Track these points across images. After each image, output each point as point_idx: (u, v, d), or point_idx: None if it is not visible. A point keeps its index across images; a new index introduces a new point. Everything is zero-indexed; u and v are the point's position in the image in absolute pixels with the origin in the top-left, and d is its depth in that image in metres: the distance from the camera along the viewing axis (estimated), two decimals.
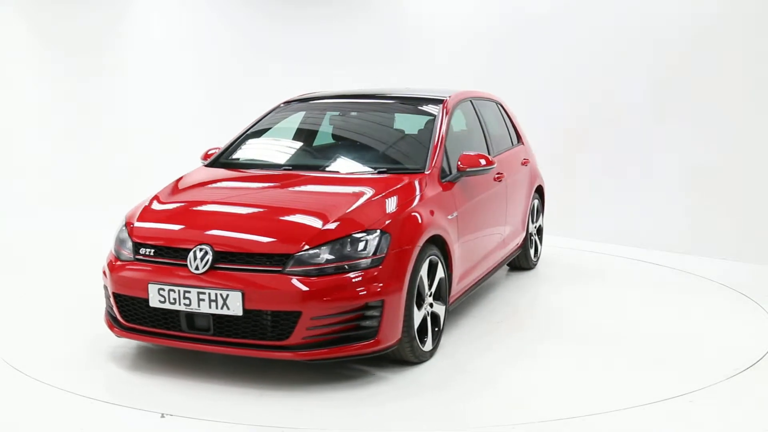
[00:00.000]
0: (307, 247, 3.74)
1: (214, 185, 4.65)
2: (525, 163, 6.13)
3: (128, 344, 4.43)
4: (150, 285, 3.83)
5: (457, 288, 4.61)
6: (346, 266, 3.73)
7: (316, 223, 3.87)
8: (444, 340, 4.51)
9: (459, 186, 4.69)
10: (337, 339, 3.73)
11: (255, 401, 3.68)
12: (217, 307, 3.70)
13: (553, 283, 6.04)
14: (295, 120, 5.47)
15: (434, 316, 4.27)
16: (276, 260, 3.73)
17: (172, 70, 10.67)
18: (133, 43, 10.71)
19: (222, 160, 5.06)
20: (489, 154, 5.37)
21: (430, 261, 4.16)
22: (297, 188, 4.48)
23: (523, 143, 6.32)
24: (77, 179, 10.12)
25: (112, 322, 4.16)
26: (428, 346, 4.16)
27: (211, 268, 3.76)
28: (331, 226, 3.84)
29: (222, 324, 3.75)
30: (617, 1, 7.61)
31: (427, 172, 4.48)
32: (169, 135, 10.49)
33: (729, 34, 6.85)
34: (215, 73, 10.59)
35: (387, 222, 3.92)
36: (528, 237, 6.18)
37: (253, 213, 4.13)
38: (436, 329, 4.28)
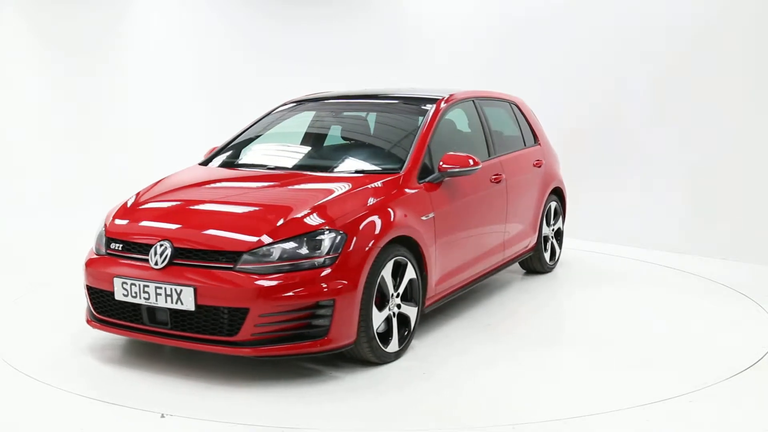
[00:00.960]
0: (259, 244, 3.80)
1: (192, 184, 4.73)
2: (538, 164, 6.01)
3: (128, 345, 4.43)
4: (115, 279, 3.98)
5: (436, 290, 4.58)
6: (298, 265, 3.77)
7: (272, 221, 3.93)
8: (421, 341, 4.51)
9: (443, 186, 4.66)
10: (287, 336, 3.76)
11: (255, 401, 3.68)
12: (172, 302, 3.80)
13: (558, 286, 6.02)
14: (291, 121, 5.50)
15: (404, 318, 4.26)
16: (229, 257, 3.80)
17: (172, 70, 10.67)
18: (133, 43, 10.71)
19: (215, 159, 5.18)
20: (489, 154, 5.33)
21: (398, 262, 4.16)
22: (267, 187, 4.56)
23: (540, 144, 6.20)
24: (77, 179, 10.13)
25: (89, 315, 4.29)
26: (393, 347, 4.15)
27: (170, 263, 3.87)
28: (286, 224, 3.89)
29: (178, 318, 3.85)
30: (617, 1, 7.61)
31: (402, 173, 4.47)
32: (168, 135, 10.49)
33: (729, 34, 6.85)
34: (215, 73, 10.59)
35: (344, 222, 3.94)
36: (541, 240, 6.06)
37: (216, 210, 4.22)
38: (406, 331, 4.27)
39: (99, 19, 10.60)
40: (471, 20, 8.70)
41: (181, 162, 6.69)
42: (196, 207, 4.29)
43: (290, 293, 3.70)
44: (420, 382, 3.94)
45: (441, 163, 4.61)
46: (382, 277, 4.03)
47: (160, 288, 3.82)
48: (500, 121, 5.83)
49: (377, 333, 4.04)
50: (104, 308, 4.15)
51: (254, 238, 3.82)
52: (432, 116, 4.90)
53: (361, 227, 3.96)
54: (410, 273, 4.25)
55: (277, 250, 3.79)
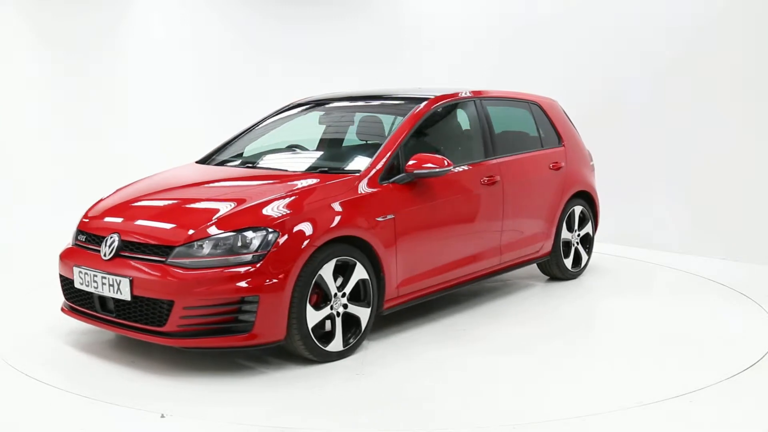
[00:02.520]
0: (190, 239, 3.94)
1: (165, 180, 4.88)
2: (556, 167, 5.81)
3: (128, 345, 4.44)
4: (74, 268, 4.27)
5: (399, 292, 4.55)
6: (227, 260, 3.87)
7: (208, 217, 4.05)
8: (379, 342, 4.50)
9: (413, 187, 4.61)
10: (213, 330, 3.87)
11: (256, 401, 3.69)
12: (113, 292, 4.02)
13: (564, 291, 6.00)
14: (288, 123, 5.59)
15: (353, 318, 4.27)
16: (163, 250, 3.97)
17: (172, 70, 10.67)
18: (134, 43, 10.70)
19: (212, 158, 5.36)
20: (486, 155, 5.22)
21: (346, 262, 4.18)
22: (226, 185, 4.70)
23: (564, 146, 5.99)
24: (77, 179, 10.12)
25: (63, 303, 4.56)
26: (335, 346, 4.16)
27: (116, 255, 4.10)
28: (219, 221, 4.00)
29: (120, 307, 4.06)
30: (618, 1, 7.61)
31: (360, 173, 4.47)
32: (169, 135, 10.49)
33: (729, 34, 6.86)
34: (215, 74, 10.59)
35: (277, 220, 4.00)
36: (559, 245, 5.86)
37: (167, 206, 4.41)
38: (356, 331, 4.27)
39: (99, 18, 10.59)
40: (471, 20, 8.70)
41: (181, 162, 6.69)
42: (153, 202, 4.49)
43: (213, 288, 3.80)
44: (344, 381, 3.93)
45: (408, 163, 4.57)
46: (321, 277, 4.06)
47: (105, 278, 4.05)
48: (513, 122, 5.71)
49: (325, 332, 4.12)
50: (69, 295, 4.44)
51: (187, 233, 3.96)
52: (410, 117, 4.86)
53: (294, 226, 4.01)
54: (360, 273, 4.26)
55: (207, 246, 3.91)
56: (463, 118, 5.45)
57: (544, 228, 5.72)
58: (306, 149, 5.38)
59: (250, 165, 5.04)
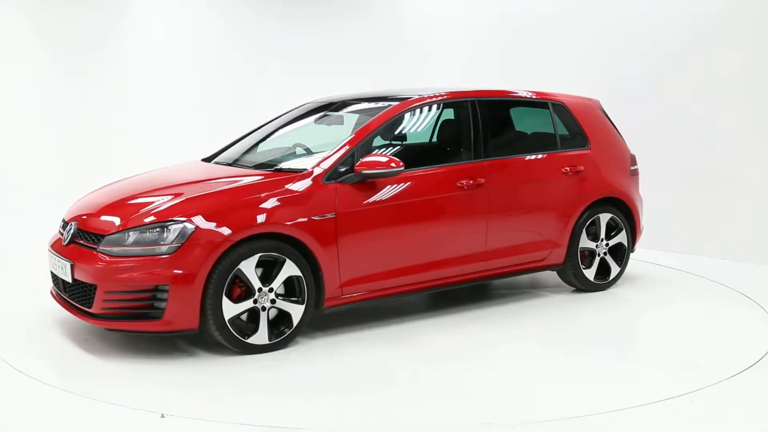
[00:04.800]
0: (118, 229, 4.25)
1: (149, 177, 5.08)
2: (573, 170, 5.46)
3: (128, 344, 4.45)
4: (48, 252, 4.71)
5: (342, 292, 4.53)
6: (147, 250, 4.13)
7: (136, 210, 4.35)
8: (318, 340, 4.52)
9: (363, 188, 4.58)
10: (131, 314, 4.15)
11: (255, 401, 3.69)
12: (63, 274, 4.42)
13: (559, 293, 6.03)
14: (289, 123, 5.60)
15: (285, 314, 4.33)
16: (98, 239, 4.30)
17: (172, 70, 10.67)
18: (133, 43, 10.70)
19: (215, 156, 5.51)
20: (475, 157, 5.05)
21: (276, 258, 4.25)
22: (189, 181, 4.85)
23: (591, 149, 5.62)
24: (77, 179, 10.11)
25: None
26: (259, 339, 4.26)
27: (71, 241, 4.48)
28: (145, 214, 4.26)
29: (68, 288, 4.46)
30: (615, 0, 7.62)
31: (305, 172, 4.52)
32: (169, 134, 10.49)
33: (730, 34, 6.85)
34: (215, 74, 10.59)
35: (195, 215, 4.19)
36: (576, 254, 5.49)
37: (122, 200, 4.62)
38: (286, 327, 4.34)
39: (99, 18, 10.59)
40: (471, 20, 8.70)
41: (181, 161, 6.69)
42: (118, 196, 4.69)
43: (128, 275, 4.09)
44: (242, 374, 3.99)
45: (356, 163, 4.56)
46: (241, 271, 4.16)
47: (60, 262, 4.46)
48: (523, 123, 5.58)
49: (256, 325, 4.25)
50: (53, 279, 4.75)
51: (115, 224, 4.28)
52: (376, 119, 4.84)
53: (211, 221, 4.17)
54: (291, 270, 4.31)
55: (132, 236, 4.19)
56: (451, 119, 5.35)
57: (553, 235, 5.39)
58: (308, 150, 5.36)
59: (230, 163, 5.16)
